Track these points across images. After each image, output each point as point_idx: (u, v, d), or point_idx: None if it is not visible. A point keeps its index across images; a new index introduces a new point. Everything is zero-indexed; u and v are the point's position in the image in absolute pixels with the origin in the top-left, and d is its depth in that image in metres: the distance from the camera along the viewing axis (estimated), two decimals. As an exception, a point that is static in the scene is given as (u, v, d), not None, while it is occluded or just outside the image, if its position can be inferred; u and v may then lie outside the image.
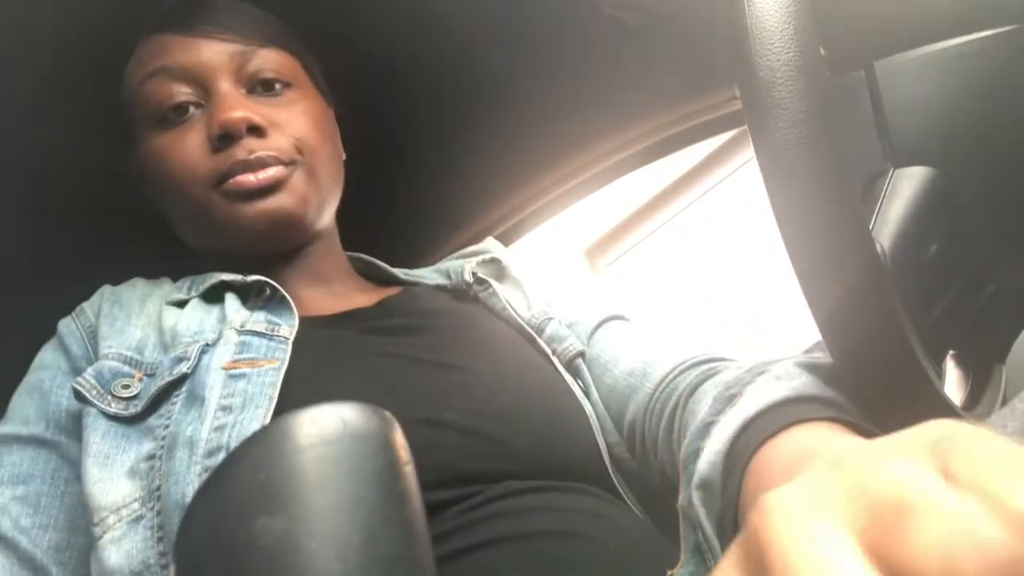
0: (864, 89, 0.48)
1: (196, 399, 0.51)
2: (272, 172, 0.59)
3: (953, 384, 0.58)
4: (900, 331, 0.39)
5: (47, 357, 0.60)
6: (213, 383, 0.51)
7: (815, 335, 0.41)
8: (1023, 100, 0.45)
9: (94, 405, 0.53)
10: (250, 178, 0.58)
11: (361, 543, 0.24)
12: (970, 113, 0.46)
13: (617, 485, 0.58)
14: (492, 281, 0.72)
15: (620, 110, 0.95)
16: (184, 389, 0.52)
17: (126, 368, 0.55)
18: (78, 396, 0.54)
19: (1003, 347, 0.57)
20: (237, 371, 0.52)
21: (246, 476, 0.26)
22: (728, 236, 2.05)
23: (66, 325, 0.62)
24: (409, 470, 0.27)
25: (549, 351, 0.66)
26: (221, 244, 0.63)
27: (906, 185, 0.46)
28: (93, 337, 0.59)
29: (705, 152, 1.91)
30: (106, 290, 0.64)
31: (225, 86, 0.60)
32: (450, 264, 0.78)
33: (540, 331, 0.68)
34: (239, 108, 0.58)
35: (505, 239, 1.15)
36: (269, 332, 0.56)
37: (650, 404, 0.58)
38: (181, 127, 0.60)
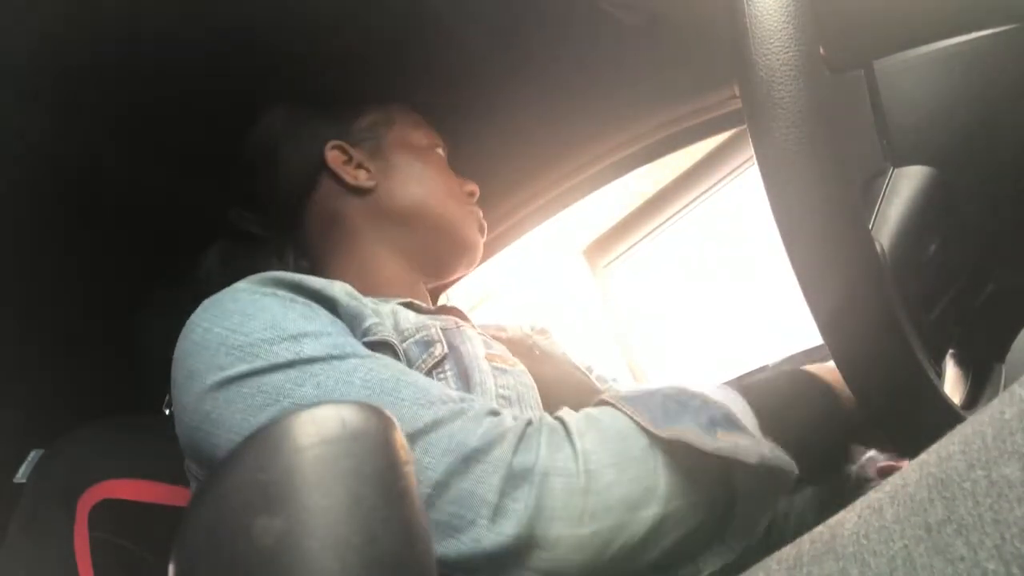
0: (864, 89, 0.48)
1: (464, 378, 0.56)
2: None
3: (953, 383, 0.58)
4: (900, 331, 0.39)
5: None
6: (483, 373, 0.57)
7: (815, 335, 0.41)
8: (1023, 100, 0.45)
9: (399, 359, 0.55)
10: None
11: (361, 543, 0.24)
12: (970, 113, 0.46)
13: None
14: None
15: (620, 110, 0.95)
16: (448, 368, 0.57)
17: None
18: (385, 346, 0.54)
19: (1003, 346, 0.57)
20: (497, 365, 0.59)
21: (246, 476, 0.26)
22: (727, 236, 2.05)
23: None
24: (409, 470, 0.27)
25: None
26: (432, 252, 0.75)
27: (906, 185, 0.46)
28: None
29: (705, 151, 1.90)
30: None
31: None
32: None
33: None
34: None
35: (505, 239, 1.15)
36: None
37: None
38: (446, 169, 0.79)
